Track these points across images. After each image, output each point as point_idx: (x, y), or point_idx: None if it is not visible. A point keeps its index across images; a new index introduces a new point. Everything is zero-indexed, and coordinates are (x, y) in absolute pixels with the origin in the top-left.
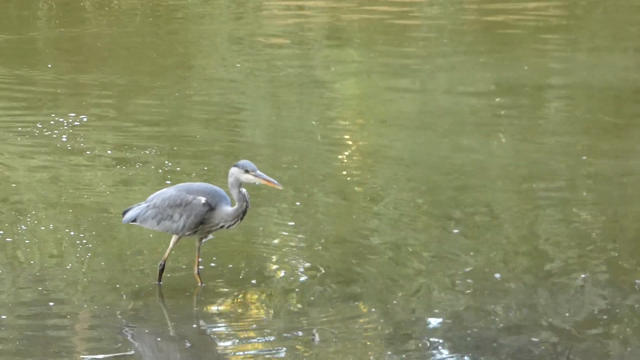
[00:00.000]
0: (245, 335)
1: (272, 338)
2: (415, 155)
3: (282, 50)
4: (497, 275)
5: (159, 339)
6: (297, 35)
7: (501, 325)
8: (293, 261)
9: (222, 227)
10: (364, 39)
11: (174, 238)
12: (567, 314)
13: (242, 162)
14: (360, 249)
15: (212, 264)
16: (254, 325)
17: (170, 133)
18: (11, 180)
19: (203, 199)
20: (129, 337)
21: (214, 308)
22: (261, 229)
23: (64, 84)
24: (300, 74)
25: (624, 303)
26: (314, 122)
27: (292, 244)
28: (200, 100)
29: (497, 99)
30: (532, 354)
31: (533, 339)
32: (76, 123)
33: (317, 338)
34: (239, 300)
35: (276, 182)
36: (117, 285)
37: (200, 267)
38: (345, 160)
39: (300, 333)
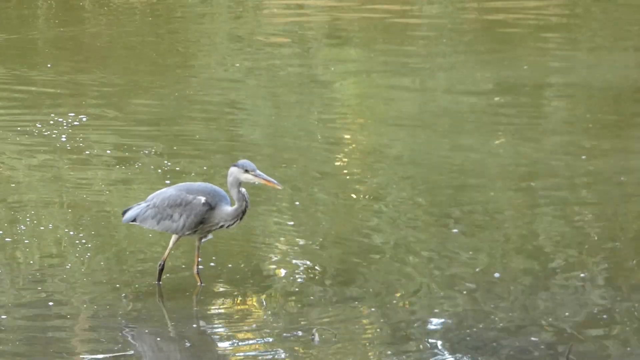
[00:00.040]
0: (245, 335)
1: (271, 338)
2: (415, 154)
3: (282, 49)
4: (497, 275)
5: (158, 338)
6: (297, 34)
7: (501, 324)
8: (293, 261)
9: (221, 226)
10: (364, 38)
11: (173, 238)
12: (566, 314)
13: (242, 161)
14: (360, 248)
15: (212, 264)
16: (254, 325)
17: (169, 132)
18: (10, 179)
19: (203, 199)
20: (129, 337)
21: (213, 308)
22: (261, 228)
23: (64, 84)
24: (300, 73)
25: (624, 302)
26: (313, 122)
27: (292, 243)
28: (199, 100)
29: (497, 98)
30: (532, 353)
31: (533, 338)
32: (75, 123)
33: (316, 338)
34: (238, 300)
35: (276, 181)
36: (117, 285)
37: (200, 266)
38: (345, 160)
39: (299, 333)
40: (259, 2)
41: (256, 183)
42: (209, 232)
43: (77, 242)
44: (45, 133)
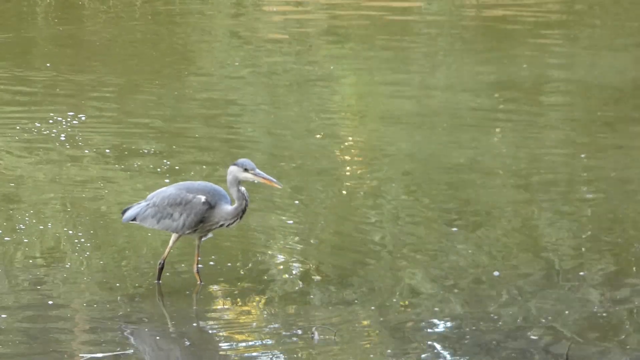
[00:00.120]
0: (245, 334)
1: (271, 336)
2: (414, 152)
3: (281, 47)
4: (496, 273)
5: (158, 337)
6: (296, 32)
7: (500, 323)
8: (292, 259)
9: (221, 225)
10: (363, 36)
11: (173, 237)
12: (566, 312)
13: (242, 160)
14: (360, 246)
15: (211, 263)
16: (253, 324)
17: (169, 131)
18: (10, 178)
19: (203, 198)
20: (128, 336)
21: (213, 306)
22: (260, 227)
23: (63, 82)
24: (300, 72)
25: (624, 302)
26: (313, 119)
27: (292, 242)
28: (199, 98)
29: (496, 96)
30: (531, 352)
31: (532, 337)
32: (75, 122)
33: (316, 337)
34: (238, 298)
35: (275, 180)
36: (117, 284)
37: (200, 265)
38: (345, 158)
39: (299, 332)
40: (258, 0)
41: (256, 182)
42: (209, 231)
43: (77, 241)
44: (45, 132)
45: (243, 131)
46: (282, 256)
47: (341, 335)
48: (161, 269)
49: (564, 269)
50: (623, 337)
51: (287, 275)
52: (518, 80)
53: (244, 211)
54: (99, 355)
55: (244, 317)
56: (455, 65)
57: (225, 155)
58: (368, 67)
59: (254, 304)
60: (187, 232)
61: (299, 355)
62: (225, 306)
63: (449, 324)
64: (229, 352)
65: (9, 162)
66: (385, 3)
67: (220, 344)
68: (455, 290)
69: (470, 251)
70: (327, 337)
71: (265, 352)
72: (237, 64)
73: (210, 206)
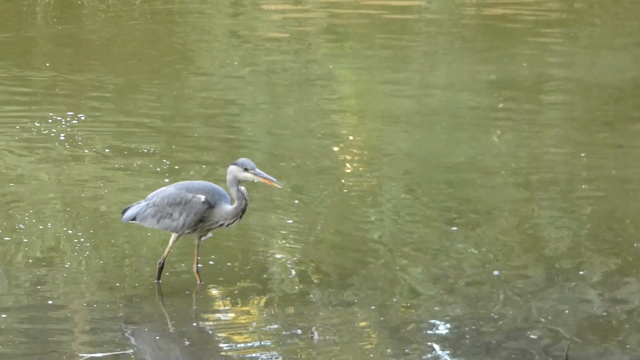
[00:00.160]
0: (244, 333)
1: (270, 336)
2: (414, 151)
3: (280, 46)
4: (496, 272)
5: (158, 337)
6: (296, 31)
7: (500, 322)
8: (292, 259)
9: (221, 225)
10: (363, 35)
11: (173, 236)
12: (566, 312)
13: (241, 160)
14: (359, 246)
15: (211, 262)
16: (253, 323)
17: (168, 131)
18: (9, 178)
19: (203, 197)
20: (128, 336)
21: (213, 306)
22: (260, 226)
23: (62, 82)
24: (299, 71)
25: (624, 301)
26: (312, 119)
27: (291, 241)
28: (198, 98)
29: (496, 95)
30: (531, 352)
31: (532, 337)
32: (74, 121)
33: (316, 336)
34: (238, 298)
35: (275, 180)
36: (117, 284)
37: (199, 265)
38: (344, 157)
39: (299, 331)
40: None
41: (255, 181)
42: (208, 230)
43: (76, 240)
44: (44, 131)
45: (242, 130)
46: (281, 256)
47: (341, 335)
48: (161, 268)
49: (564, 269)
50: (623, 337)
51: (286, 275)
52: (518, 79)
53: (243, 211)
54: (99, 355)
55: (243, 317)
56: (455, 64)
57: (225, 155)
58: (367, 66)
59: (254, 303)
60: (187, 231)
61: (299, 355)
62: (225, 306)
63: (448, 324)
64: (228, 352)
65: (9, 162)
66: (385, 2)
67: (220, 344)
68: (455, 290)
69: (470, 250)
70: (326, 337)
71: (265, 352)
72: (236, 63)
73: (210, 206)
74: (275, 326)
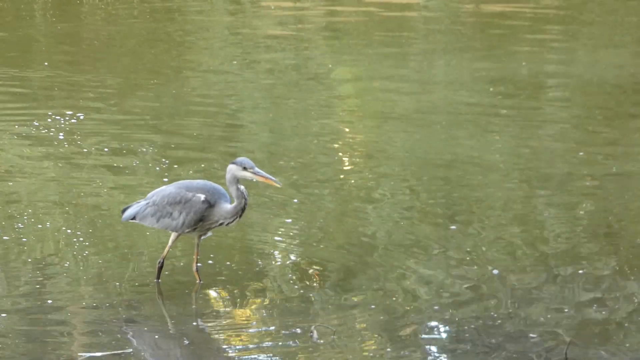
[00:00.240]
0: (244, 333)
1: (270, 335)
2: (413, 149)
3: (279, 45)
4: (495, 272)
5: (157, 336)
6: (295, 30)
7: (499, 321)
8: (291, 258)
9: (221, 224)
10: (362, 32)
11: (173, 235)
12: (565, 309)
13: (240, 159)
14: (358, 245)
15: (210, 261)
16: (253, 322)
17: (167, 130)
18: (8, 178)
19: (202, 196)
20: (128, 335)
21: (212, 305)
22: (259, 225)
23: (61, 81)
24: (298, 70)
25: (623, 298)
26: (311, 118)
27: (290, 240)
28: (197, 97)
29: (495, 92)
30: (531, 350)
31: (531, 335)
32: (73, 120)
33: (315, 335)
34: (237, 297)
35: (274, 179)
36: (116, 283)
37: (199, 264)
38: (343, 156)
39: (298, 330)
40: None
41: (255, 180)
42: (208, 229)
43: (75, 240)
44: (43, 131)
45: (242, 129)
46: (281, 255)
47: (340, 335)
48: (160, 267)
49: (564, 268)
50: (623, 337)
51: (286, 274)
52: (516, 76)
53: (243, 210)
54: (98, 354)
55: (243, 316)
56: (454, 62)
57: (224, 154)
58: (366, 63)
59: (253, 302)
60: (187, 230)
61: (298, 354)
62: (224, 305)
63: (448, 324)
64: (228, 351)
65: (7, 161)
66: None
67: (219, 343)
68: (455, 290)
69: (469, 249)
70: (326, 336)
71: (264, 351)
72: (235, 61)
73: (210, 205)
74: (275, 325)
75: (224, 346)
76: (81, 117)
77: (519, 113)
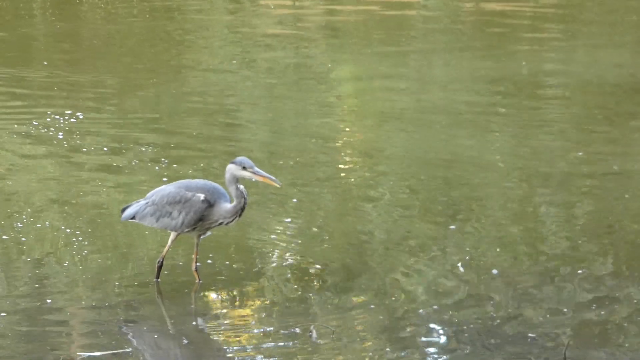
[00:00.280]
0: (243, 332)
1: (269, 335)
2: (412, 149)
3: (279, 45)
4: (495, 272)
5: (156, 336)
6: (294, 30)
7: (499, 320)
8: (290, 257)
9: (220, 223)
10: (361, 31)
11: (172, 235)
12: (564, 309)
13: (240, 158)
14: (358, 245)
15: (209, 261)
16: (252, 322)
17: (167, 129)
18: (7, 177)
19: (202, 196)
20: (127, 334)
21: (211, 305)
22: (258, 225)
23: (60, 81)
24: (297, 70)
25: (622, 298)
26: (311, 117)
27: (289, 240)
28: (197, 97)
29: (494, 91)
30: (531, 349)
31: (530, 334)
32: (72, 120)
33: (314, 335)
34: (236, 296)
35: (274, 178)
36: (115, 283)
37: (198, 263)
38: (342, 156)
39: (297, 330)
40: None
41: (254, 180)
42: (208, 229)
43: (75, 239)
44: (42, 130)
45: (241, 128)
46: (280, 254)
47: (340, 335)
48: (160, 267)
49: (563, 267)
50: (622, 336)
51: (285, 274)
52: (516, 76)
53: (242, 209)
54: (97, 353)
55: (242, 316)
56: (454, 61)
57: (223, 153)
58: (366, 62)
59: (252, 302)
60: (186, 230)
61: (297, 353)
62: (223, 304)
63: (447, 324)
64: (227, 351)
65: (7, 161)
66: None
67: (218, 343)
68: (453, 288)
69: (468, 249)
70: (325, 336)
71: (263, 351)
72: (234, 60)
73: (209, 204)
74: (274, 324)
75: (223, 346)
76: (80, 117)
77: (519, 112)
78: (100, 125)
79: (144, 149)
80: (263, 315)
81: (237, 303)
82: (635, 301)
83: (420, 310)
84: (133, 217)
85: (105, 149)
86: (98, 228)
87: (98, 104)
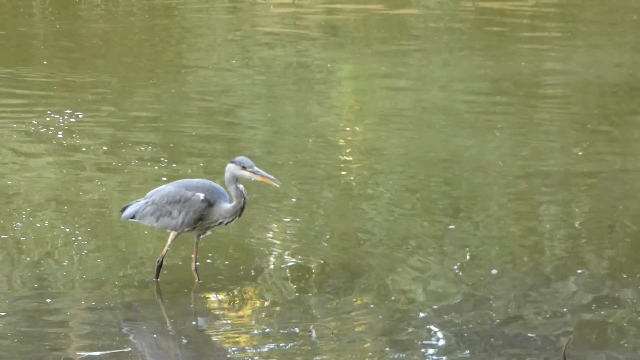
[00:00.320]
0: (242, 332)
1: (268, 334)
2: (412, 148)
3: (278, 45)
4: (494, 271)
5: (156, 335)
6: (294, 29)
7: (498, 321)
8: (290, 257)
9: (220, 223)
10: (361, 31)
11: (172, 234)
12: (564, 309)
13: (239, 158)
14: (357, 244)
15: (208, 260)
16: (251, 322)
17: (166, 129)
18: (6, 177)
19: (202, 195)
20: (126, 334)
21: (211, 304)
22: (258, 225)
23: (59, 81)
24: (297, 70)
25: (621, 298)
26: (310, 117)
27: (289, 239)
28: (196, 96)
29: (494, 91)
30: (530, 349)
31: (530, 334)
32: (72, 120)
33: (314, 334)
34: (236, 296)
35: (273, 178)
36: (115, 282)
37: (198, 263)
38: (342, 156)
39: (297, 329)
40: None
41: (253, 180)
42: (207, 228)
43: (74, 239)
44: (42, 130)
45: (240, 128)
46: (279, 254)
47: (339, 334)
48: (159, 266)
49: (562, 266)
50: (621, 336)
51: (284, 273)
52: (516, 75)
53: (242, 209)
54: (97, 353)
55: (241, 315)
56: (453, 60)
57: (223, 153)
58: (366, 62)
59: (252, 302)
60: (186, 229)
61: (297, 353)
62: (223, 304)
63: (446, 324)
64: (226, 350)
65: (6, 160)
66: None
67: (218, 342)
68: (453, 288)
69: (468, 248)
70: (324, 336)
71: (263, 350)
72: (234, 60)
73: (209, 204)
74: (273, 324)
75: (223, 346)
76: (80, 116)
77: (518, 111)
78: (99, 124)
79: (143, 148)
80: (263, 315)
81: (236, 303)
82: (635, 302)
83: (420, 311)
84: (133, 217)
85: (104, 148)
86: (97, 227)
87: (97, 103)
